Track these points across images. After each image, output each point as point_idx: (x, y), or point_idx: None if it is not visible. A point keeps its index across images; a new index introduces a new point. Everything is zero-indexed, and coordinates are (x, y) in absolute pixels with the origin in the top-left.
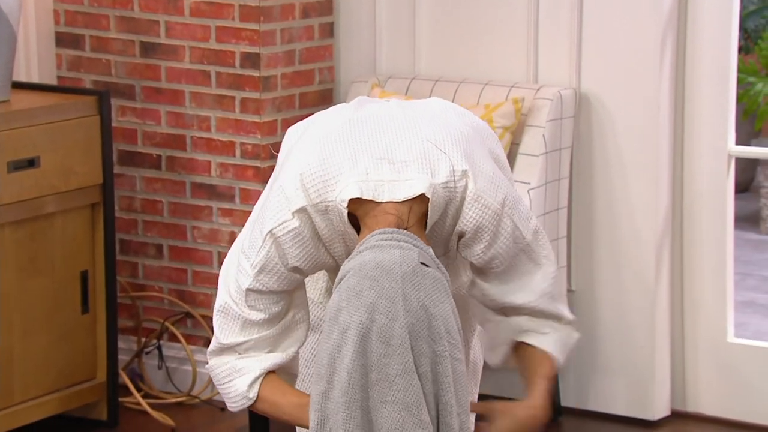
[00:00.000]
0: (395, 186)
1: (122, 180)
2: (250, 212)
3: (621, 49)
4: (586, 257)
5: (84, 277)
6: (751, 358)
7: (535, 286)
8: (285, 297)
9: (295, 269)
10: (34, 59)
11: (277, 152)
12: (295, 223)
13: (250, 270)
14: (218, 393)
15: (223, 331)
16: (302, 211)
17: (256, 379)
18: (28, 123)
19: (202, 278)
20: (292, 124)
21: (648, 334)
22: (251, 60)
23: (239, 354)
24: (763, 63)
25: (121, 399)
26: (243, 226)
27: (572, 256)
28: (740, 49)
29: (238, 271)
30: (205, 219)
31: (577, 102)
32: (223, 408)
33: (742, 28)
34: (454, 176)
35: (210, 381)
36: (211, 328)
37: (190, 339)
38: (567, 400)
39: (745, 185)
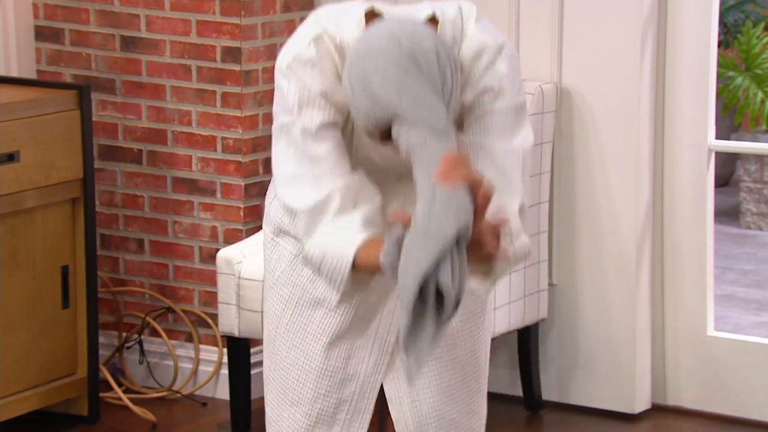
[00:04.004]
0: (407, 9)
1: (103, 174)
2: (232, 207)
3: (602, 43)
4: (567, 252)
5: (65, 272)
6: (731, 351)
7: (497, 154)
8: (338, 129)
9: (325, 95)
10: (14, 53)
11: None
12: (311, 51)
13: (294, 114)
14: (200, 387)
15: (305, 199)
16: (318, 39)
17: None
18: (7, 117)
19: (183, 273)
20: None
21: (629, 327)
22: (232, 54)
23: (329, 211)
24: (742, 57)
25: (102, 394)
26: (224, 220)
27: (553, 250)
28: (720, 44)
29: (285, 132)
30: (186, 213)
31: (558, 96)
32: (204, 403)
33: (722, 23)
34: (461, 12)
35: (192, 374)
36: (193, 322)
37: (171, 334)
38: (548, 394)
39: (725, 179)
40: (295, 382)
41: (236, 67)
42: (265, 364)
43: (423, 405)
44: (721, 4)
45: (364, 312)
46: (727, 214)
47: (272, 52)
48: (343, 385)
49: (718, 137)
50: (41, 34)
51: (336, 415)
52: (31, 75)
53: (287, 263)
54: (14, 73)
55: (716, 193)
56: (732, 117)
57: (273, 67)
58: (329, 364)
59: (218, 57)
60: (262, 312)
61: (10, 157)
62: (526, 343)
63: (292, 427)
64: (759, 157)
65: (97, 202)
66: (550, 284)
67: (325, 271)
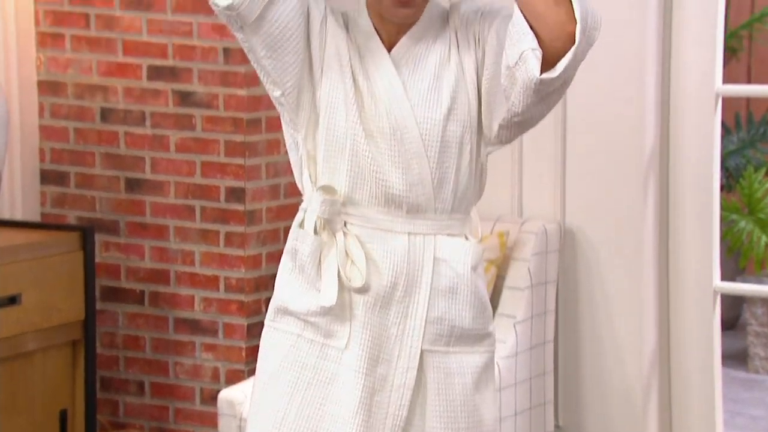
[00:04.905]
0: None
1: (104, 316)
2: (234, 347)
3: (604, 184)
4: (572, 392)
5: (63, 417)
6: None
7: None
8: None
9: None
10: (19, 197)
11: None
12: None
13: None
14: None
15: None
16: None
17: None
18: (10, 260)
19: (184, 415)
20: (277, 259)
21: None
22: (236, 194)
23: None
24: (745, 202)
25: None
26: (226, 361)
27: (559, 391)
28: (722, 188)
29: None
30: (187, 354)
31: (562, 236)
32: None
33: (724, 167)
34: None
35: None
36: None
37: None
38: None
39: (731, 323)
40: None
41: (240, 207)
42: None
43: None
44: (722, 149)
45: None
46: (734, 358)
47: (276, 192)
48: None
49: (723, 279)
50: (46, 177)
51: None
52: (35, 218)
53: (289, 347)
54: (18, 217)
55: (723, 336)
56: (736, 260)
57: (277, 207)
58: None
59: (222, 197)
60: None
61: (12, 300)
62: None
63: None
64: (765, 301)
65: (97, 344)
66: (556, 426)
67: None
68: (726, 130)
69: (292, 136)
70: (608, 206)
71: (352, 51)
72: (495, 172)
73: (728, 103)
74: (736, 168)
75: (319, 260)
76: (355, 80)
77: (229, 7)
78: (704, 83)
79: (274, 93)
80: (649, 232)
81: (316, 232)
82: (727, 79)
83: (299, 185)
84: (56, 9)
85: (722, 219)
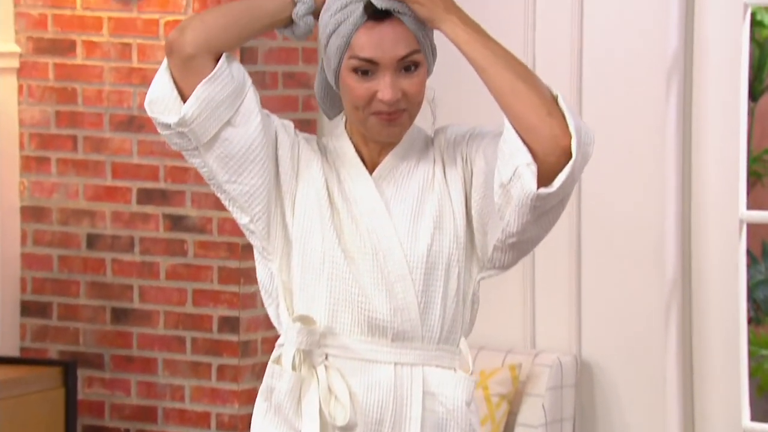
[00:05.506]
0: None
1: None
2: None
3: (623, 314)
4: None
5: None
6: None
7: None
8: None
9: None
10: None
11: None
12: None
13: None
14: None
15: None
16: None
17: None
18: None
19: None
20: None
21: None
22: (230, 324)
23: None
24: None
25: None
26: None
27: None
28: (750, 321)
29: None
30: None
31: (578, 370)
32: None
33: (751, 299)
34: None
35: None
36: None
37: None
38: None
39: None
40: None
41: (234, 338)
42: None
43: None
44: (749, 279)
45: None
46: None
47: (271, 323)
48: None
49: (753, 419)
50: (27, 309)
51: None
52: (14, 353)
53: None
54: None
55: None
56: None
57: (274, 338)
58: None
59: (215, 327)
60: None
61: None
62: None
63: None
64: None
65: None
66: None
67: None
68: (752, 259)
69: (265, 267)
70: (627, 338)
71: (329, 174)
72: (505, 300)
73: (754, 230)
74: (765, 300)
75: (299, 398)
76: (332, 203)
77: (180, 123)
78: (728, 209)
79: (242, 220)
80: (672, 367)
81: (294, 367)
82: (751, 205)
83: (274, 321)
84: (42, 132)
85: (751, 354)
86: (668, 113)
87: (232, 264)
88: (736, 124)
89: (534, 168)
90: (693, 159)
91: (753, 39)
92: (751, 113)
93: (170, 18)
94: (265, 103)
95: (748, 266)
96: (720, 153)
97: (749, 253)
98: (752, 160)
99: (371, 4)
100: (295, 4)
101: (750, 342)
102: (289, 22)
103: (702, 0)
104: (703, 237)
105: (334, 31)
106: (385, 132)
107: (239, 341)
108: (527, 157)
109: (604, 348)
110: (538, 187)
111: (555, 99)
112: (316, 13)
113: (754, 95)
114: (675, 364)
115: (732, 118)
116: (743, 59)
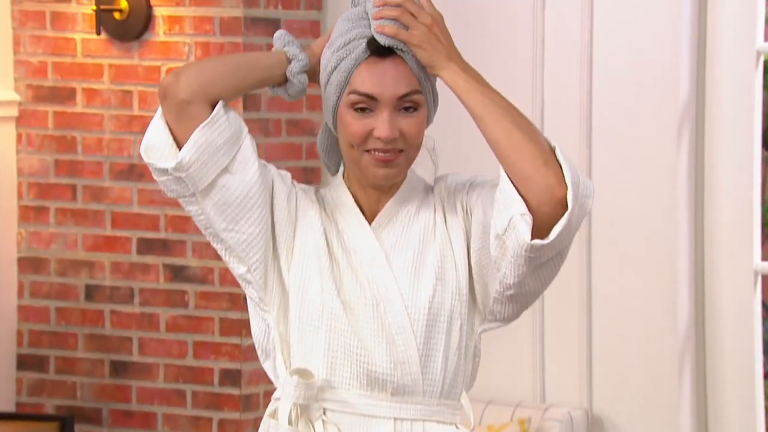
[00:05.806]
0: None
1: None
2: None
3: (635, 368)
4: None
5: None
6: None
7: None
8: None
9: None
10: None
11: None
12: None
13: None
14: None
15: None
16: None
17: None
18: None
19: None
20: None
21: None
22: (231, 377)
23: None
24: None
25: None
26: None
27: None
28: (766, 375)
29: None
30: None
31: (589, 424)
32: None
33: (767, 352)
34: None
35: None
36: None
37: None
38: None
39: None
40: None
41: (235, 392)
42: None
43: None
44: (765, 332)
45: None
46: None
47: None
48: None
49: None
50: (23, 363)
51: None
52: (10, 408)
53: None
54: None
55: None
56: None
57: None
58: None
59: (216, 381)
60: None
61: None
62: None
63: None
64: None
65: None
66: None
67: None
68: (767, 311)
69: (262, 319)
70: (640, 392)
71: (328, 224)
72: (514, 352)
73: None
74: None
75: None
76: (331, 253)
77: (178, 167)
78: (741, 260)
79: (239, 270)
80: (685, 422)
81: (290, 422)
82: (765, 256)
83: (270, 374)
84: (41, 181)
85: (767, 409)
86: (680, 162)
87: (234, 315)
88: (750, 174)
89: (529, 219)
90: (705, 209)
91: (766, 87)
92: (764, 162)
93: (172, 65)
94: (269, 151)
95: (763, 318)
96: (733, 203)
97: (764, 305)
98: (766, 210)
99: (374, 40)
100: (290, 62)
101: (766, 397)
102: (284, 80)
103: (714, 47)
104: (716, 289)
105: (335, 68)
106: (380, 173)
107: (241, 395)
108: (522, 207)
109: (616, 402)
110: (534, 239)
111: (553, 150)
112: (310, 73)
113: (767, 144)
114: (689, 419)
115: (745, 167)
116: (756, 107)
